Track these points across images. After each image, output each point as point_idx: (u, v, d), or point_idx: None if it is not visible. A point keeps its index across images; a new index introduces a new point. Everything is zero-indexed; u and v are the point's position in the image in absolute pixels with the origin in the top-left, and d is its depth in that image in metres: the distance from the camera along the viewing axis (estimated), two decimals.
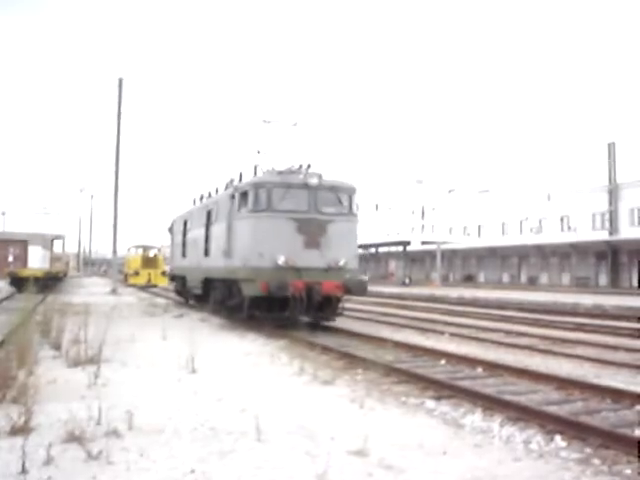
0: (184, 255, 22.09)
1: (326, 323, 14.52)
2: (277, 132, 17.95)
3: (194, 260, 19.89)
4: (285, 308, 13.38)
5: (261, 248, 13.71)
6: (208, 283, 17.91)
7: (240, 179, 16.15)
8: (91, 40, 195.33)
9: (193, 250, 20.28)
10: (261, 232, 13.92)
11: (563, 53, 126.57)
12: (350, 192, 14.98)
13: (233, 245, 14.94)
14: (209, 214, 18.03)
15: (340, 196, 14.66)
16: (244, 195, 14.52)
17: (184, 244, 22.19)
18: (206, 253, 17.90)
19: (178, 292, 25.45)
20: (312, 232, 13.92)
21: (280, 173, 14.81)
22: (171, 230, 25.88)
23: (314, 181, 14.17)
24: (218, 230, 16.53)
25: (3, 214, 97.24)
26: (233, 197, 15.15)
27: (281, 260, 13.51)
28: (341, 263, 14.00)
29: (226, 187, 17.07)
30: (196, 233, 19.84)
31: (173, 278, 26.19)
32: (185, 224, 22.28)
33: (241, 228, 14.63)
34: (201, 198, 20.59)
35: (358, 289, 14.34)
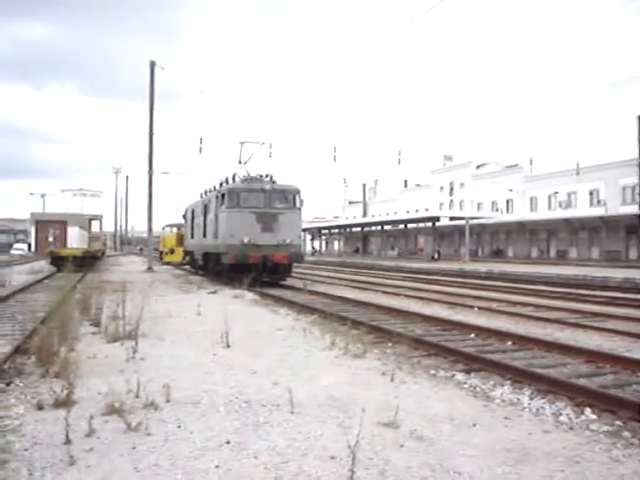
0: (192, 236, 28.89)
1: (281, 282, 20.67)
2: (254, 150, 24.98)
3: (198, 240, 26.55)
4: (250, 271, 18.89)
5: (233, 232, 20.12)
6: (206, 256, 24.59)
7: (227, 182, 22.31)
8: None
9: (197, 232, 26.78)
10: (233, 221, 20.34)
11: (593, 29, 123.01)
12: (294, 193, 21.27)
13: (218, 230, 21.42)
14: (206, 207, 24.56)
15: (287, 196, 21.13)
16: (223, 196, 21.05)
17: (192, 228, 28.88)
18: (204, 235, 24.48)
19: (190, 264, 31.97)
20: (267, 221, 20.36)
21: (249, 180, 21.70)
22: (184, 216, 32.83)
23: (268, 187, 20.78)
24: (211, 219, 23.02)
25: (43, 196, 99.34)
26: (217, 197, 21.92)
27: (245, 240, 19.93)
28: (288, 241, 20.47)
29: (220, 185, 22.89)
30: (199, 220, 26.27)
31: (186, 254, 32.83)
32: (193, 212, 28.84)
33: (222, 218, 21.04)
34: (205, 192, 26.12)
35: (298, 258, 21.49)
